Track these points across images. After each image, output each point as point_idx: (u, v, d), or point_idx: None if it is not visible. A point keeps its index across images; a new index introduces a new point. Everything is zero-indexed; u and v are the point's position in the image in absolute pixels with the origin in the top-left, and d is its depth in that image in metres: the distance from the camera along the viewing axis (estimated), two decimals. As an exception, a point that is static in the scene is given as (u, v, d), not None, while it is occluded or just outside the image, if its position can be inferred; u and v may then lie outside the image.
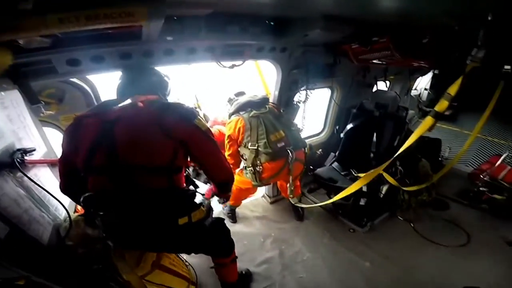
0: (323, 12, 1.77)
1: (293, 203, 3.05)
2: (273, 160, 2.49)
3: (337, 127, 3.78)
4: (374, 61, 2.54)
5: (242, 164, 2.71)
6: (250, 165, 2.54)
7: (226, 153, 2.67)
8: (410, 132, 3.67)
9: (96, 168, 1.34)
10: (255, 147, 2.48)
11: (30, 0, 0.68)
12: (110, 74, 1.79)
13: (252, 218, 3.31)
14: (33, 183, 1.39)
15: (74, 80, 1.77)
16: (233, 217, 3.26)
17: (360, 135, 3.24)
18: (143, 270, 1.54)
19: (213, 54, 2.07)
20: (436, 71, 4.61)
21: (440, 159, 4.25)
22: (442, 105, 1.94)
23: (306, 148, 2.77)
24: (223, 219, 1.89)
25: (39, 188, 1.41)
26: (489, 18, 1.37)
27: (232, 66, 2.29)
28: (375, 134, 3.11)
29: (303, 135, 3.51)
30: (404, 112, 3.00)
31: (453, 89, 1.87)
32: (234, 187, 2.87)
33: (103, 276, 1.61)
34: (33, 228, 1.41)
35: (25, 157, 1.38)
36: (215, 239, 1.78)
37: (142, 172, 1.34)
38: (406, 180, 3.20)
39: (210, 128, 2.92)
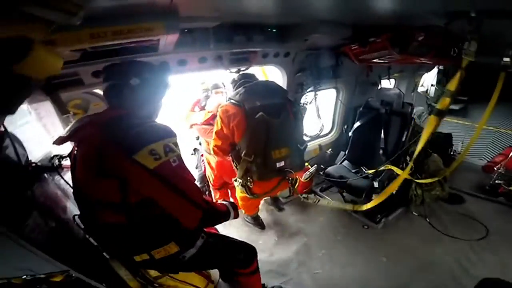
0: (320, 18, 1.91)
1: (301, 198, 2.72)
2: (266, 179, 2.16)
3: (345, 127, 3.85)
4: (376, 60, 2.64)
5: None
6: (240, 178, 2.17)
7: (213, 141, 2.21)
8: (419, 128, 3.74)
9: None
10: (250, 159, 2.05)
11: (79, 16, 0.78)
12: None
13: (266, 218, 3.29)
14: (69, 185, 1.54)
15: (97, 91, 1.94)
16: (258, 223, 3.03)
17: (367, 132, 3.30)
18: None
19: (221, 62, 2.24)
20: (441, 67, 4.64)
21: (452, 153, 4.24)
22: (444, 103, 1.96)
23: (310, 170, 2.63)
24: (221, 241, 1.63)
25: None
26: (472, 15, 1.47)
27: (238, 71, 2.44)
28: (382, 131, 3.15)
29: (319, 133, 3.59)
30: (409, 108, 3.06)
31: (452, 85, 1.90)
32: (238, 198, 2.70)
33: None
34: (70, 225, 1.55)
35: (62, 162, 1.53)
36: (211, 264, 1.62)
37: (97, 205, 1.19)
38: (418, 175, 3.23)
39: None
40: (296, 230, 3.09)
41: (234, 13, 1.65)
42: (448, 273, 2.44)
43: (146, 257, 1.31)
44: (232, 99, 2.10)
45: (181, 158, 1.19)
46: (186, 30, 1.74)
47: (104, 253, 1.42)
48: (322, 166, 3.50)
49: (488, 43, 2.93)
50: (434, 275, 2.43)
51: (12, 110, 0.80)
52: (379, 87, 3.77)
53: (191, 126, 2.86)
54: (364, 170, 3.16)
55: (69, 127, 1.20)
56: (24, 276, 1.18)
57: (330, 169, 3.33)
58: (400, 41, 2.18)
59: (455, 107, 5.05)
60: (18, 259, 1.13)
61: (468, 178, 3.97)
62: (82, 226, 1.33)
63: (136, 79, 1.23)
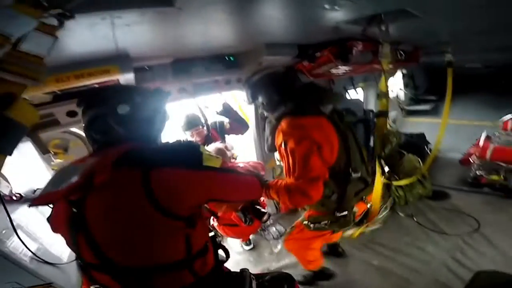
0: (265, 42, 2.20)
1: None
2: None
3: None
4: (328, 73, 2.92)
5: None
6: (339, 210, 1.68)
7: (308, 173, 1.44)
8: (391, 132, 3.88)
9: (91, 265, 0.95)
10: (358, 174, 1.66)
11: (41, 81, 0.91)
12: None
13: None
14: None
15: (75, 130, 2.18)
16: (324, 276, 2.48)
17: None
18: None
19: (186, 93, 2.50)
20: (404, 71, 4.94)
21: (429, 152, 4.34)
22: (382, 104, 2.06)
23: None
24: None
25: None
26: (382, 18, 1.72)
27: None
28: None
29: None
30: (370, 114, 3.27)
31: (382, 86, 2.05)
32: (303, 251, 2.17)
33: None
34: (54, 248, 1.69)
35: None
36: None
37: (148, 273, 0.91)
38: (395, 177, 3.33)
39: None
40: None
41: (182, 51, 1.93)
42: (443, 267, 2.46)
43: None
44: (297, 110, 1.57)
45: None
46: (147, 68, 2.02)
47: None
48: None
49: (428, 44, 3.25)
50: (428, 270, 2.45)
51: (10, 151, 0.86)
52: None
53: None
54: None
55: (70, 175, 0.88)
56: (11, 289, 1.30)
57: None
58: (341, 53, 2.46)
59: (425, 107, 5.25)
60: (6, 273, 1.30)
61: (449, 173, 4.04)
62: None
63: (124, 106, 0.98)
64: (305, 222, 1.84)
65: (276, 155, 3.41)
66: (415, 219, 3.11)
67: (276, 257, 2.94)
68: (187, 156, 0.95)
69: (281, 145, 1.52)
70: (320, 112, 1.58)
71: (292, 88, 1.67)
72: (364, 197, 1.79)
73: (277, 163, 3.62)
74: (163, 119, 1.13)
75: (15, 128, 0.85)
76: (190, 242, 0.95)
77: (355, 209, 1.74)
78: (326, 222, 1.72)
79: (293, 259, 2.78)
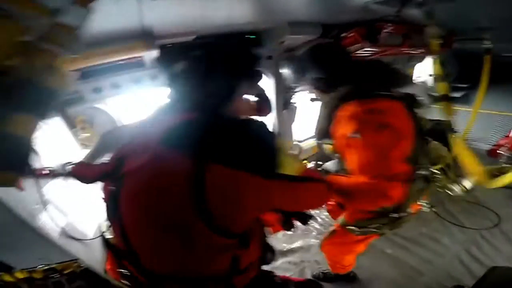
0: (289, 20, 2.12)
1: None
2: None
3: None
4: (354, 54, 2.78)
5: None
6: (397, 211, 1.41)
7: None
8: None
9: (118, 249, 0.84)
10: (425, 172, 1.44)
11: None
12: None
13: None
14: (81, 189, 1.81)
15: (100, 107, 2.24)
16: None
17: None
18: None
19: (206, 70, 2.47)
20: (434, 57, 4.64)
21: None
22: (442, 87, 1.97)
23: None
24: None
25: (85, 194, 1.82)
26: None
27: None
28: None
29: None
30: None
31: (436, 69, 2.01)
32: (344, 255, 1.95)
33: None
34: (80, 223, 1.78)
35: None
36: None
37: (173, 281, 0.76)
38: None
39: None
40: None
41: (205, 27, 1.89)
42: (456, 260, 2.44)
43: None
44: (365, 91, 1.24)
45: None
46: (170, 45, 2.00)
47: None
48: (319, 162, 3.62)
49: (464, 30, 3.03)
50: (443, 264, 2.43)
51: (45, 115, 0.90)
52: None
53: None
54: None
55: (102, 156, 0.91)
56: (42, 265, 1.40)
57: (327, 165, 3.40)
58: (369, 33, 2.33)
59: (456, 94, 4.93)
60: (36, 248, 1.34)
61: (478, 165, 3.89)
62: None
63: (178, 64, 0.78)
64: (350, 227, 1.55)
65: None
66: (433, 209, 3.08)
67: (290, 238, 2.95)
68: (260, 151, 0.71)
69: (348, 134, 1.18)
70: (392, 96, 1.29)
71: (353, 63, 1.39)
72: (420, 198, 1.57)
73: (294, 142, 3.60)
74: (234, 80, 0.81)
75: (49, 94, 0.89)
76: (238, 262, 0.76)
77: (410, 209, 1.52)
78: (376, 225, 1.46)
79: (307, 241, 2.85)
